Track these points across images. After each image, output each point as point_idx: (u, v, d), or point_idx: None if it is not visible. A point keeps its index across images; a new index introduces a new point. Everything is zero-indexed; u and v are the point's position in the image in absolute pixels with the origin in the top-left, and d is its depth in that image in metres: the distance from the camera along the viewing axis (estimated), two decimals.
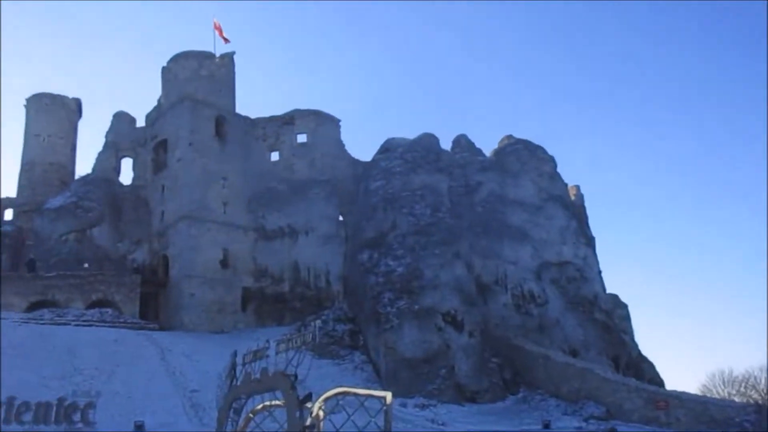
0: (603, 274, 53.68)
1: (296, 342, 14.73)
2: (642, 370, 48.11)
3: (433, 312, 41.49)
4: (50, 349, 36.24)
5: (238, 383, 16.09)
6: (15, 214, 56.11)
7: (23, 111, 60.65)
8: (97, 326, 40.46)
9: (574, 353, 45.59)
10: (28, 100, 60.51)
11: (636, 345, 53.00)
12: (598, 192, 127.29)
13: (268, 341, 16.95)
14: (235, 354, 18.08)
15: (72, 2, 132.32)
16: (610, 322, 50.45)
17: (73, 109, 62.30)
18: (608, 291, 54.77)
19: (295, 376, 14.17)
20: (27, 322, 38.87)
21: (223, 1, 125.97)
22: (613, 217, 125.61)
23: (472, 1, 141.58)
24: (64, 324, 39.76)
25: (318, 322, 15.38)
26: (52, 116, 60.15)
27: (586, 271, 51.41)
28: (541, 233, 50.81)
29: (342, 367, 41.73)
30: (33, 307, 41.66)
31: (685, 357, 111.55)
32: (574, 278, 50.35)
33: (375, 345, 41.54)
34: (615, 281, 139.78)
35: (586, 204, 60.14)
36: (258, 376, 15.08)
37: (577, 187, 60.72)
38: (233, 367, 17.75)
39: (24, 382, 31.92)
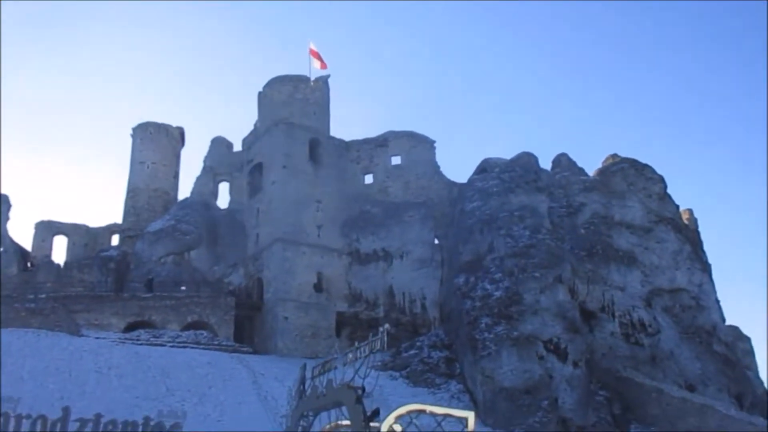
0: (722, 306, 49.38)
1: (364, 351, 13.39)
2: None
3: (534, 339, 38.95)
4: (145, 370, 36.46)
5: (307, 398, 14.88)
6: (120, 239, 57.92)
7: (129, 140, 62.98)
8: (191, 348, 40.49)
9: (690, 388, 41.73)
10: (134, 129, 62.76)
11: (762, 382, 48.18)
12: (714, 219, 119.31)
13: (336, 351, 15.75)
14: (304, 367, 16.93)
15: (172, 34, 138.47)
16: (732, 355, 46.04)
17: (176, 137, 64.13)
18: (728, 323, 50.27)
19: (363, 389, 12.76)
20: (124, 342, 39.38)
21: (318, 26, 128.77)
22: (731, 246, 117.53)
23: (566, 19, 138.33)
24: (160, 345, 40.02)
25: (387, 326, 13.84)
26: (157, 144, 62.08)
27: (703, 299, 47.28)
28: (651, 258, 47.22)
29: (437, 396, 39.74)
30: (130, 327, 42.25)
31: None
32: (689, 306, 46.39)
33: (471, 373, 39.37)
34: (735, 314, 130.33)
35: (701, 230, 55.78)
36: (324, 390, 13.81)
37: (690, 211, 56.60)
38: (302, 381, 16.57)
39: (117, 402, 32.07)
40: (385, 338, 12.80)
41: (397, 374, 41.59)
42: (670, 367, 43.13)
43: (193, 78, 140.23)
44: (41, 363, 34.84)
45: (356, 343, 14.18)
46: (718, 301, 48.96)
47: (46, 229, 58.26)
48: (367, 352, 13.15)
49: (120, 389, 33.96)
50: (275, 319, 45.99)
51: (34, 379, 33.14)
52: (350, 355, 13.58)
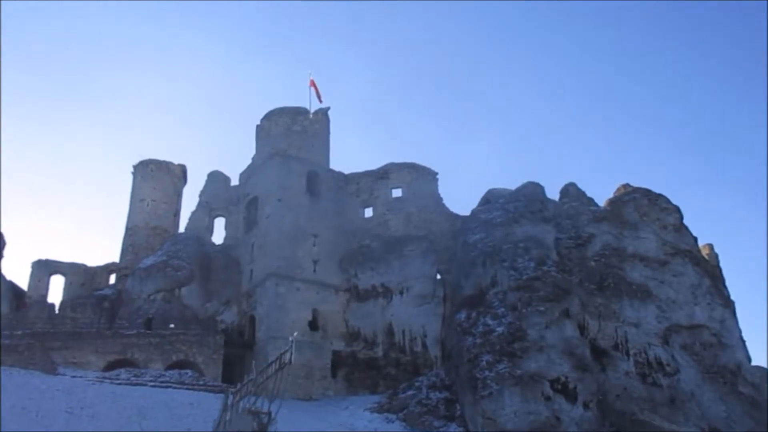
0: (747, 345, 46.06)
1: (275, 366, 11.27)
2: None
3: (539, 378, 36.14)
4: (120, 410, 34.10)
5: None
6: (117, 278, 56.16)
7: (130, 177, 61.75)
8: (174, 388, 38.08)
9: None
10: (134, 166, 61.60)
11: None
12: (740, 258, 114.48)
13: (253, 369, 13.65)
14: (227, 395, 14.86)
15: (174, 70, 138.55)
16: (759, 397, 42.61)
17: (178, 175, 62.80)
18: (755, 364, 46.83)
19: (269, 415, 10.55)
20: (101, 381, 37.10)
21: (319, 58, 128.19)
22: (758, 286, 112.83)
23: (574, 45, 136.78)
24: (140, 385, 37.64)
25: (296, 334, 11.73)
26: (157, 182, 60.72)
27: (725, 336, 44.11)
28: (667, 292, 44.32)
29: None
30: (111, 366, 39.99)
31: None
32: (711, 344, 43.30)
33: (472, 415, 36.50)
34: (762, 354, 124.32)
35: (724, 268, 52.44)
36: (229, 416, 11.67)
37: (710, 246, 53.59)
38: (224, 409, 14.46)
39: None
40: (293, 349, 10.60)
41: (394, 417, 38.96)
42: (692, 410, 39.94)
43: (196, 113, 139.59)
44: (8, 402, 32.61)
45: (270, 362, 11.98)
46: (742, 339, 45.76)
47: (43, 269, 56.71)
48: (277, 366, 10.95)
49: (90, 429, 31.73)
50: (266, 358, 43.38)
51: None
52: (262, 373, 11.38)
